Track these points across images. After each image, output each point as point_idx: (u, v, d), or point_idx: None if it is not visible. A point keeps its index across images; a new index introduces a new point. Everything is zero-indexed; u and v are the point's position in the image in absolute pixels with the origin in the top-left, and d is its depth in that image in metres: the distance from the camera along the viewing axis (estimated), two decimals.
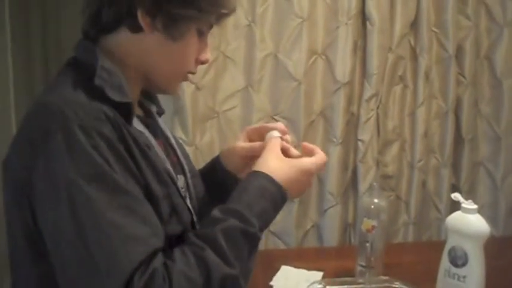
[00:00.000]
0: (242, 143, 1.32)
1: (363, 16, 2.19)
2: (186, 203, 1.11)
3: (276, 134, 1.21)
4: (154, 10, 1.01)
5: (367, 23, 2.18)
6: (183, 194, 1.13)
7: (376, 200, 1.67)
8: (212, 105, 2.15)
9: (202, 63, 1.15)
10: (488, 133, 2.41)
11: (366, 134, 2.23)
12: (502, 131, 2.38)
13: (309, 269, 1.78)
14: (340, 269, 1.76)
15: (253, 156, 1.21)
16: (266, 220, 1.05)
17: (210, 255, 0.93)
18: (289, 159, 1.14)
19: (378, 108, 2.24)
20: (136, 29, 1.03)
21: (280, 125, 1.26)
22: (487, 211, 2.39)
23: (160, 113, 1.30)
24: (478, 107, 2.39)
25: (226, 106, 2.17)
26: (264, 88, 2.17)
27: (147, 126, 1.13)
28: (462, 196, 1.41)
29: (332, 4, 2.16)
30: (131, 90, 1.07)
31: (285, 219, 2.22)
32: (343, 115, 2.20)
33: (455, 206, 1.44)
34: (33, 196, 0.94)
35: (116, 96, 0.99)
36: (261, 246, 2.16)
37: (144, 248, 0.90)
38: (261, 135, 1.27)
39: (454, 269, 1.38)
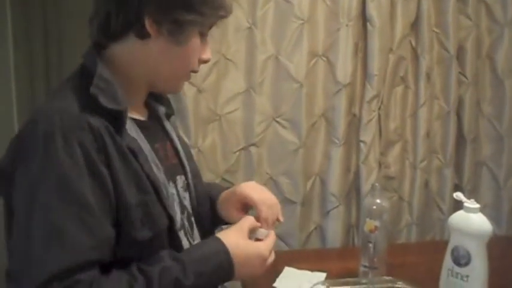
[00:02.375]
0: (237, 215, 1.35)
1: (364, 17, 2.20)
2: (166, 210, 1.13)
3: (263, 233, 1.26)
4: (160, 17, 1.07)
5: (368, 24, 2.18)
6: (168, 200, 1.16)
7: (378, 201, 1.66)
8: (214, 108, 2.15)
9: (205, 62, 1.20)
10: (491, 133, 2.41)
11: (367, 135, 2.23)
12: (504, 130, 2.38)
13: (312, 270, 1.78)
14: (344, 270, 1.76)
15: None
16: (201, 283, 1.07)
17: None
18: (251, 242, 1.19)
19: (379, 109, 2.25)
20: (143, 35, 1.09)
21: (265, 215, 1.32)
22: (490, 211, 2.38)
23: (170, 114, 1.36)
24: (479, 107, 2.40)
25: (227, 109, 2.17)
26: (265, 90, 2.17)
27: (146, 129, 1.17)
28: (465, 196, 1.41)
29: (332, 6, 2.17)
30: (134, 96, 1.16)
31: (288, 221, 2.22)
32: (345, 116, 2.21)
33: (458, 206, 1.43)
34: (12, 191, 1.02)
35: (108, 104, 1.04)
36: None
37: (76, 257, 0.95)
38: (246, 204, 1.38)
39: (457, 268, 1.38)
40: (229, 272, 1.12)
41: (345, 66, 2.18)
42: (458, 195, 1.42)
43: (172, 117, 1.42)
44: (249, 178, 2.18)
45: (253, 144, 2.18)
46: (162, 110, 1.32)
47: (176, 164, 1.27)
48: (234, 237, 1.16)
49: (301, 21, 2.14)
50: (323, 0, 2.16)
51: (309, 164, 2.24)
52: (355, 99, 2.25)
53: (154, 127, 1.25)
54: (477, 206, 1.37)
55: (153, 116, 1.28)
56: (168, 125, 1.31)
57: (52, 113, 1.00)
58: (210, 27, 1.18)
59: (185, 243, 1.20)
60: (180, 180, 1.26)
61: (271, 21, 2.15)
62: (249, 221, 1.22)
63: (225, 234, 1.17)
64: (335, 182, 2.23)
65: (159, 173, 1.13)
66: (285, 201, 2.22)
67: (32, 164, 0.98)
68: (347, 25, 2.16)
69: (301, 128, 2.19)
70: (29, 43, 2.68)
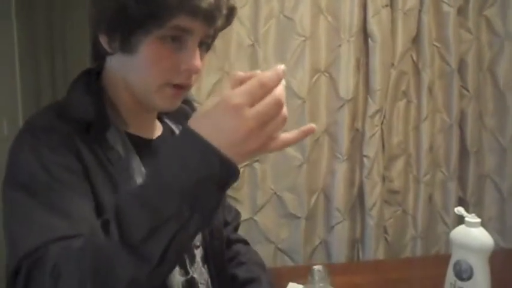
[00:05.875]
0: None
1: (365, 33, 2.22)
2: None
3: None
4: (109, 31, 1.04)
5: (369, 40, 2.20)
6: None
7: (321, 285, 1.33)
8: None
9: (191, 72, 1.06)
10: (494, 145, 2.42)
11: (371, 149, 2.24)
12: (507, 142, 2.39)
13: None
14: (349, 285, 1.76)
15: None
16: (170, 180, 0.78)
17: (98, 230, 0.82)
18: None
19: (382, 123, 2.26)
20: (106, 53, 1.08)
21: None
22: (494, 223, 2.40)
23: None
24: (482, 120, 2.41)
25: None
26: None
27: (146, 146, 1.15)
28: (469, 209, 1.42)
29: (334, 22, 2.19)
30: (133, 114, 1.13)
31: (292, 236, 2.24)
32: (348, 132, 2.22)
33: (462, 219, 1.44)
34: None
35: (76, 114, 1.05)
36: (269, 263, 2.18)
37: (46, 235, 0.88)
38: None
39: (459, 283, 1.38)
40: (199, 146, 0.78)
41: (347, 82, 2.20)
42: (459, 209, 1.42)
43: None
44: (253, 194, 2.20)
45: (257, 161, 2.19)
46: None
47: None
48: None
49: (303, 38, 2.16)
50: (324, 17, 2.19)
51: (313, 180, 2.25)
52: (357, 114, 2.27)
53: (160, 148, 1.19)
54: (478, 220, 1.37)
55: (167, 138, 1.24)
56: None
57: (26, 126, 1.05)
58: (185, 32, 1.03)
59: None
60: None
61: (273, 38, 2.18)
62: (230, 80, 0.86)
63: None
64: (339, 197, 2.25)
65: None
66: (290, 217, 2.23)
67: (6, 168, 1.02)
68: (348, 41, 2.18)
69: (304, 143, 2.21)
70: (34, 53, 2.71)
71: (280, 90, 0.80)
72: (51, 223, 0.91)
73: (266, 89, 0.79)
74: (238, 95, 0.78)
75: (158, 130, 1.23)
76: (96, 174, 1.01)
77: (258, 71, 0.84)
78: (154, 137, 1.20)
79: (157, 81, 1.06)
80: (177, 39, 1.03)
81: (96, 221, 0.85)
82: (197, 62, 1.05)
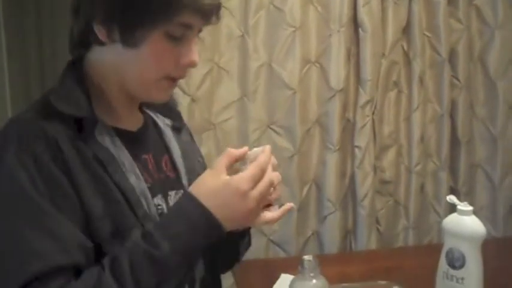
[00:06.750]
0: None
1: (355, 23, 2.21)
2: (140, 221, 1.04)
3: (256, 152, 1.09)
4: (108, 21, 1.02)
5: (360, 30, 2.20)
6: (150, 211, 1.08)
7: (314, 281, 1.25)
8: (208, 116, 2.16)
9: (189, 66, 1.10)
10: (485, 135, 2.42)
11: (362, 140, 2.24)
12: (498, 132, 2.39)
13: None
14: (341, 275, 1.76)
15: None
16: (181, 245, 0.97)
17: (107, 278, 0.92)
18: (221, 178, 1.01)
19: (373, 114, 2.26)
20: (100, 42, 1.05)
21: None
22: (485, 212, 2.40)
23: (177, 127, 1.30)
24: (473, 109, 2.41)
25: (222, 117, 2.18)
26: (259, 98, 2.18)
27: (132, 139, 1.13)
28: (461, 198, 1.41)
29: (324, 12, 2.18)
30: (118, 106, 1.12)
31: (284, 228, 2.23)
32: (339, 122, 2.22)
33: (454, 209, 1.44)
34: None
35: (67, 110, 1.01)
36: (261, 255, 2.18)
37: (41, 264, 0.90)
38: None
39: (452, 271, 1.38)
40: (208, 219, 0.98)
41: (337, 72, 2.19)
42: (451, 198, 1.42)
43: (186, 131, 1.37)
44: None
45: None
46: (165, 122, 1.27)
47: (173, 179, 1.19)
48: (201, 180, 1.03)
49: (293, 29, 2.15)
50: (314, 7, 2.18)
51: (305, 170, 2.25)
52: (348, 104, 2.26)
53: (146, 138, 1.19)
54: (470, 208, 1.37)
55: (149, 127, 1.23)
56: (168, 138, 1.25)
57: (11, 122, 1.02)
58: (199, 29, 1.09)
59: None
60: (176, 195, 1.16)
61: (263, 29, 2.16)
62: (225, 155, 1.05)
63: (194, 182, 1.04)
64: (331, 188, 2.24)
65: (137, 183, 1.07)
66: None
67: None
68: (339, 31, 2.17)
69: (295, 134, 2.20)
70: (23, 51, 2.69)
71: (270, 171, 1.04)
72: (45, 249, 0.92)
73: (264, 171, 1.03)
74: (245, 181, 0.99)
75: (139, 121, 1.21)
76: (82, 180, 0.99)
77: (246, 148, 1.08)
78: (135, 129, 1.18)
79: (156, 75, 1.07)
80: (179, 35, 1.05)
81: (89, 243, 0.97)
82: (196, 56, 1.09)
